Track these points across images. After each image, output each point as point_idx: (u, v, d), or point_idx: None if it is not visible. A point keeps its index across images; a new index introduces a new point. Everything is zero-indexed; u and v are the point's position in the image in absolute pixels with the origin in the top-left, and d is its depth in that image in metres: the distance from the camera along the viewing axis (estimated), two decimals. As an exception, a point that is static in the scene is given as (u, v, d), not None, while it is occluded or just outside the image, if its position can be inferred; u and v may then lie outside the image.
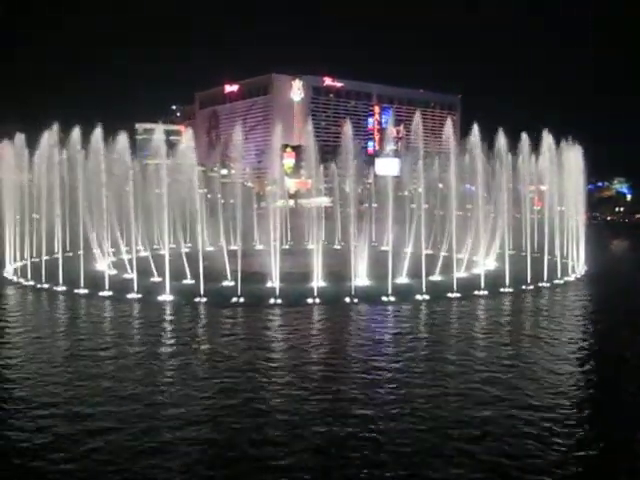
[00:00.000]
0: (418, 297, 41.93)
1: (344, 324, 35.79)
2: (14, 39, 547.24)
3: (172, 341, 31.53)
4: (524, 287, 46.90)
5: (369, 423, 20.06)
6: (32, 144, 53.66)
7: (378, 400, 22.40)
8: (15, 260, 55.64)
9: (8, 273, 53.35)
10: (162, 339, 32.06)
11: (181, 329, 34.61)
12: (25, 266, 51.96)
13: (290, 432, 19.33)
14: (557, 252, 54.05)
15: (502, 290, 45.27)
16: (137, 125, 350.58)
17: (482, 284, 44.85)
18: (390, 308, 39.83)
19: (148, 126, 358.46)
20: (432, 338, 32.39)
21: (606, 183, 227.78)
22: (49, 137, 51.02)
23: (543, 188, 57.52)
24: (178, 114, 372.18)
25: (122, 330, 34.26)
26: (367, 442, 18.64)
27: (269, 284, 43.21)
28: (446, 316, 38.71)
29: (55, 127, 50.90)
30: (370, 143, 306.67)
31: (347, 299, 40.85)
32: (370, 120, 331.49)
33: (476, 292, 44.30)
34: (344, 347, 30.42)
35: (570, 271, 53.98)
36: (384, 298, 41.17)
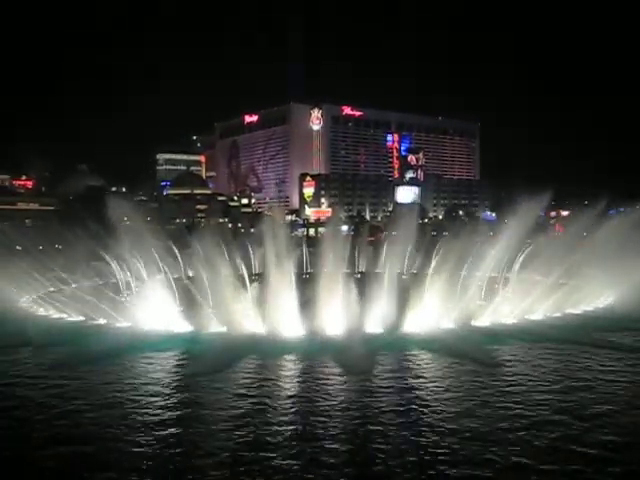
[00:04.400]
0: None
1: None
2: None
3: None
4: None
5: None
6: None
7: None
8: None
9: None
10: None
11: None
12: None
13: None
14: None
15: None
16: (158, 155, 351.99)
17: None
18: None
19: (169, 156, 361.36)
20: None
21: None
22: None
23: (564, 213, 56.16)
24: (199, 144, 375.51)
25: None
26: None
27: None
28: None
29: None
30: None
31: None
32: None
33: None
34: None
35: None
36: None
